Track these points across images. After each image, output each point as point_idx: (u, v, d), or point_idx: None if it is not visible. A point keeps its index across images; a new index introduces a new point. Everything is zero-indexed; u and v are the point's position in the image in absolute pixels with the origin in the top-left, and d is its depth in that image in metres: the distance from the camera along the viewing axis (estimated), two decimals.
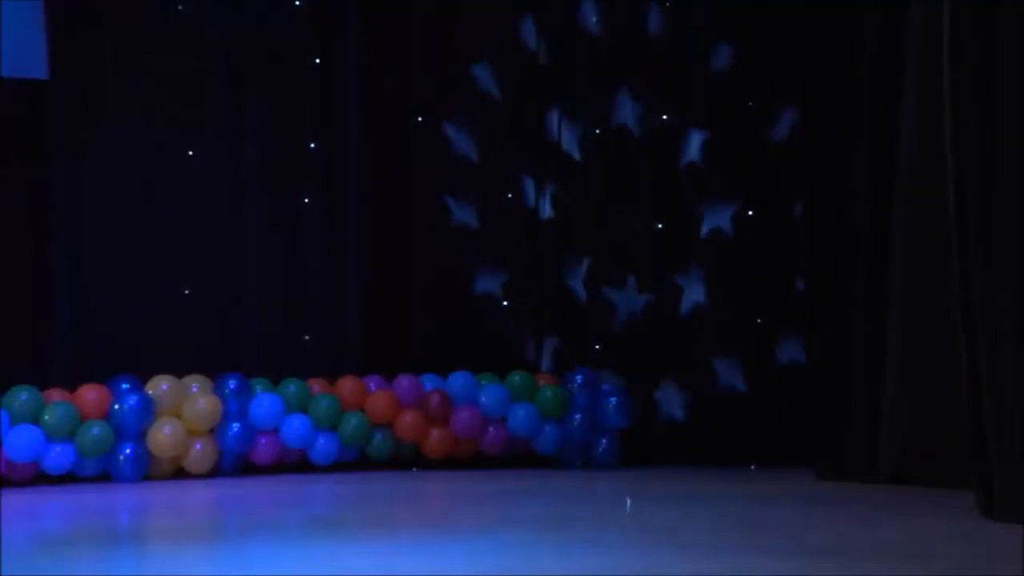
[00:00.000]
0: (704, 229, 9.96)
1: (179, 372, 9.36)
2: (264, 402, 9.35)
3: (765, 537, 6.64)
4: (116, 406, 8.98)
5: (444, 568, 5.81)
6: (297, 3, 10.25)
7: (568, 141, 10.39)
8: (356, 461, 9.65)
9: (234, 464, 9.34)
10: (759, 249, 9.91)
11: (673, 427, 10.00)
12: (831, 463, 8.77)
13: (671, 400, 10.01)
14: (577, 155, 10.35)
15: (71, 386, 9.11)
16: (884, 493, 8.13)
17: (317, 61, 10.27)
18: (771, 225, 9.90)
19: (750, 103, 9.94)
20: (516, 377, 9.88)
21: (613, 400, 9.82)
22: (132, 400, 8.97)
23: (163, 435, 9.06)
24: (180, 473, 9.22)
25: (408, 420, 9.60)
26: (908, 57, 8.45)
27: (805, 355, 9.34)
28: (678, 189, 10.06)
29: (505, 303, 10.41)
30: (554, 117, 10.42)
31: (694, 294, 10.00)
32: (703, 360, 9.95)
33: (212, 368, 9.51)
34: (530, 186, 10.51)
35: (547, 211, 10.44)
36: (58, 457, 8.84)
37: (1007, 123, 6.91)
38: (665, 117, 10.13)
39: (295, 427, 9.37)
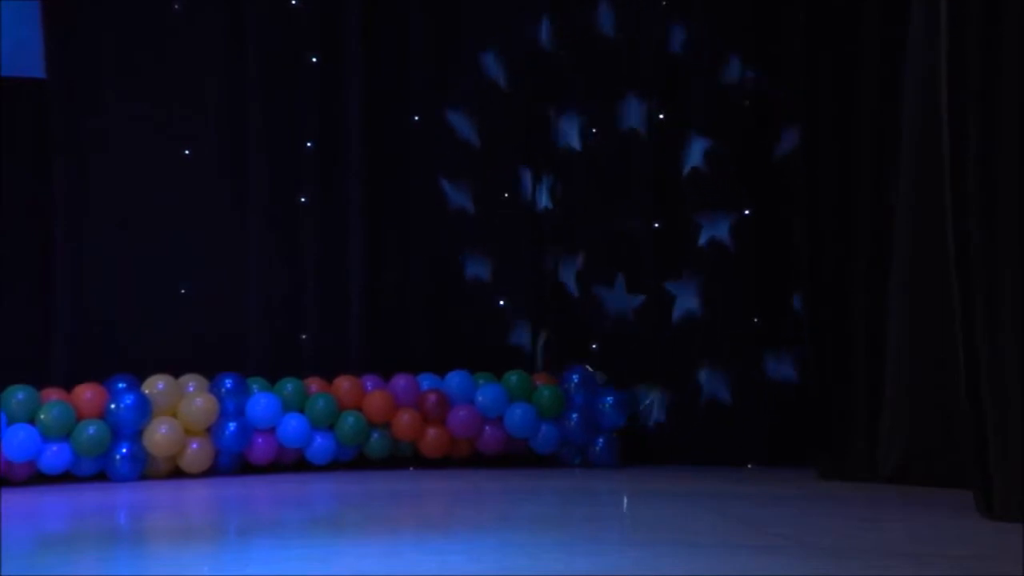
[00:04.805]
0: (703, 237, 9.96)
1: (177, 371, 9.34)
2: (261, 401, 9.34)
3: (766, 536, 6.64)
4: (112, 405, 8.96)
5: (444, 567, 5.79)
6: (293, 2, 10.23)
7: (570, 141, 10.40)
8: (353, 460, 9.64)
9: (231, 463, 9.33)
10: (757, 250, 9.93)
11: (670, 426, 10.01)
12: (831, 462, 8.78)
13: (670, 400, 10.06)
14: (578, 154, 10.37)
15: (69, 385, 9.09)
16: (884, 492, 8.15)
17: (317, 60, 10.24)
18: (770, 226, 9.92)
19: (753, 112, 9.96)
20: (513, 377, 9.87)
21: (610, 399, 9.82)
22: (129, 399, 8.96)
23: (160, 434, 9.04)
24: (177, 473, 9.20)
25: (405, 419, 9.59)
26: (909, 60, 8.49)
27: (805, 355, 9.33)
28: (678, 193, 10.07)
29: (502, 303, 10.41)
30: (556, 115, 10.43)
31: (688, 299, 10.02)
32: (700, 362, 9.98)
33: (211, 367, 9.49)
34: (528, 183, 10.51)
35: (545, 205, 10.46)
36: (54, 457, 8.82)
37: (1005, 132, 6.91)
38: (662, 116, 10.14)
39: (292, 426, 9.37)
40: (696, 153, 9.99)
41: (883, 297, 8.59)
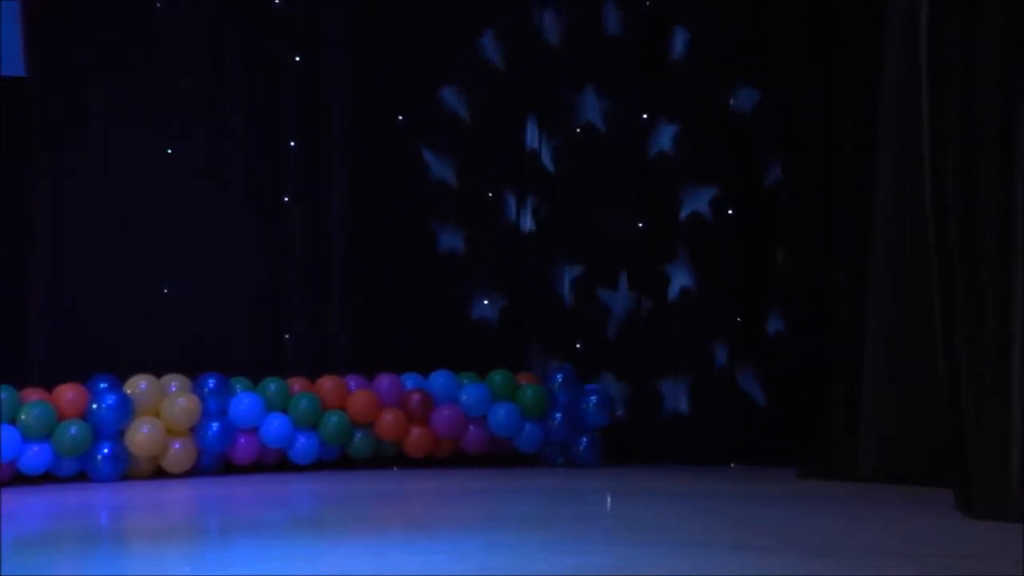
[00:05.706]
0: (685, 241, 9.97)
1: (162, 371, 9.29)
2: (244, 401, 9.29)
3: (754, 535, 6.61)
4: (94, 406, 8.90)
5: (429, 567, 5.77)
6: (277, 1, 10.19)
7: (553, 140, 10.37)
8: (337, 460, 9.60)
9: (213, 463, 9.27)
10: (739, 255, 9.94)
11: (656, 425, 10.00)
12: (812, 461, 8.79)
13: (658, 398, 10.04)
14: (556, 157, 10.37)
15: (51, 385, 9.02)
16: (868, 491, 8.16)
17: (302, 57, 10.19)
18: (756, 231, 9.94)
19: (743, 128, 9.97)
20: (497, 376, 9.83)
21: (593, 399, 9.79)
22: (110, 400, 8.90)
23: (142, 434, 8.98)
24: (159, 473, 9.15)
25: (389, 419, 9.55)
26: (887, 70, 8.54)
27: (787, 357, 9.34)
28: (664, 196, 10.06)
29: (486, 302, 10.37)
30: (543, 115, 10.41)
31: (662, 305, 10.01)
32: (676, 363, 9.98)
33: (196, 367, 9.43)
34: (516, 180, 10.51)
35: (528, 217, 10.42)
36: (35, 457, 8.76)
37: (984, 137, 6.94)
38: (645, 116, 10.12)
39: (275, 426, 9.32)
40: (686, 162, 9.99)
41: (863, 299, 8.61)
